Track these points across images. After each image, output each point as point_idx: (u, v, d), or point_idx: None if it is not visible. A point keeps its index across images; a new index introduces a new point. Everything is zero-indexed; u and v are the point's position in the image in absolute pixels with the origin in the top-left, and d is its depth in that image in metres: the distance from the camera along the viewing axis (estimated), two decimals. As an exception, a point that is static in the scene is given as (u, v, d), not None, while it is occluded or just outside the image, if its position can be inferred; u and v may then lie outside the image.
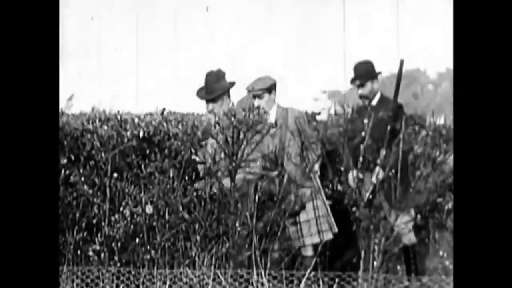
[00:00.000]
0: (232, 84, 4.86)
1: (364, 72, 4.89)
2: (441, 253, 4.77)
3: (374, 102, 4.87)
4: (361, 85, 4.90)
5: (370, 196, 4.30)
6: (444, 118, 5.39)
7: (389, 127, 4.46)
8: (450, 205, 4.87)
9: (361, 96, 4.94)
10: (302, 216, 4.54)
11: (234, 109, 4.53)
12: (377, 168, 4.33)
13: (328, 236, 4.57)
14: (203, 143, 4.33)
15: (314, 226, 4.56)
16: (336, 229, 4.58)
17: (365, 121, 4.36)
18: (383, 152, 4.37)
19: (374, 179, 4.32)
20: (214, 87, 4.76)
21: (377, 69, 4.95)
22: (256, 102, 4.64)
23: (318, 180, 4.68)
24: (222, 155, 4.16)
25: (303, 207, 4.50)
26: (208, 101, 4.78)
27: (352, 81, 4.95)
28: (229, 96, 4.82)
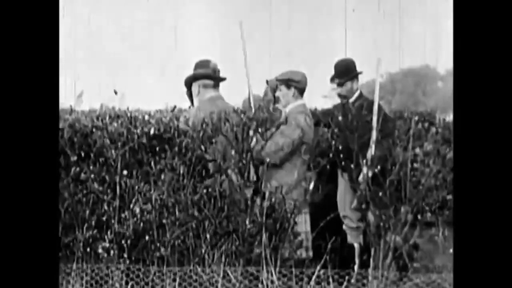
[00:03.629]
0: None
1: (344, 71, 4.75)
2: (451, 250, 4.74)
3: (352, 99, 4.76)
4: (340, 84, 4.77)
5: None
6: (453, 115, 5.37)
7: (374, 130, 4.25)
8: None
9: (339, 95, 4.82)
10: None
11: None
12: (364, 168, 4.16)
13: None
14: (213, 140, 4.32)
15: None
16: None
17: (340, 118, 4.29)
18: (371, 151, 4.22)
19: (361, 179, 4.17)
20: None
21: (358, 69, 4.78)
22: (277, 93, 4.59)
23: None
24: (233, 152, 4.15)
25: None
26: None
27: (332, 79, 4.82)
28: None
